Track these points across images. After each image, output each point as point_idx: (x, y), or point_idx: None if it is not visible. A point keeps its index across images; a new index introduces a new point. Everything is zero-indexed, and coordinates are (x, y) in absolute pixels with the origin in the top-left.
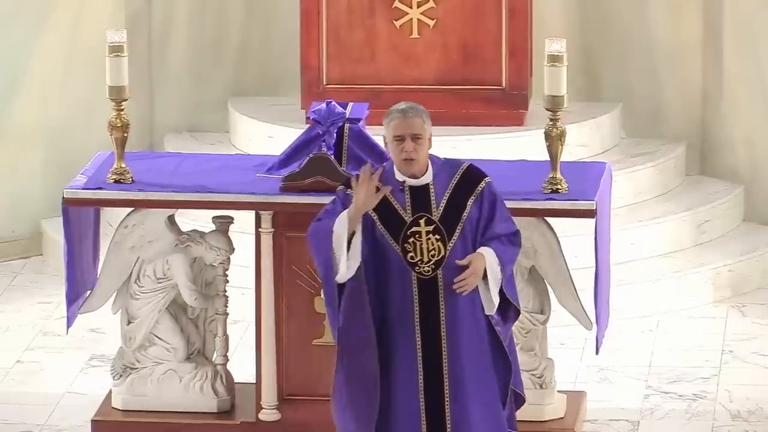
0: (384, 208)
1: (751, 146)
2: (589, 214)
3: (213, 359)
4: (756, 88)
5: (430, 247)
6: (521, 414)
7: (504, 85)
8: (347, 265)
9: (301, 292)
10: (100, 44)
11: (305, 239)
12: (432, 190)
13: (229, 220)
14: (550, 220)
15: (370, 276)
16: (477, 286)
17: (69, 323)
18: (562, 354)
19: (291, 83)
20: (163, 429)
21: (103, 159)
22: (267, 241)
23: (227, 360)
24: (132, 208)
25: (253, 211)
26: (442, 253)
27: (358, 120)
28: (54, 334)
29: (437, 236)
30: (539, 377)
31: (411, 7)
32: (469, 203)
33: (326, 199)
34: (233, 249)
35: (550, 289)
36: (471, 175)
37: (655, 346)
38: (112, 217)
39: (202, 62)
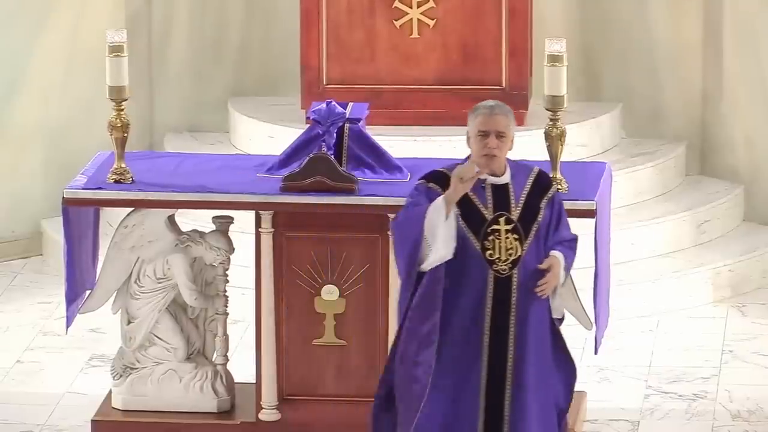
0: (465, 204)
1: (751, 146)
2: (589, 214)
3: (213, 359)
4: (756, 88)
5: (508, 246)
6: None
7: (504, 85)
8: (445, 245)
9: (301, 292)
10: (100, 44)
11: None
12: (511, 190)
13: (229, 220)
14: None
15: (444, 275)
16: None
17: (68, 323)
18: None
19: (291, 83)
20: (163, 429)
21: (103, 159)
22: (267, 241)
23: (227, 360)
24: (132, 208)
25: (253, 211)
26: (519, 252)
27: (358, 120)
28: (54, 334)
29: (515, 236)
30: None
31: (411, 7)
32: (542, 206)
33: (326, 199)
34: (233, 249)
35: None
36: (543, 178)
37: (655, 346)
38: (112, 217)
39: (202, 62)
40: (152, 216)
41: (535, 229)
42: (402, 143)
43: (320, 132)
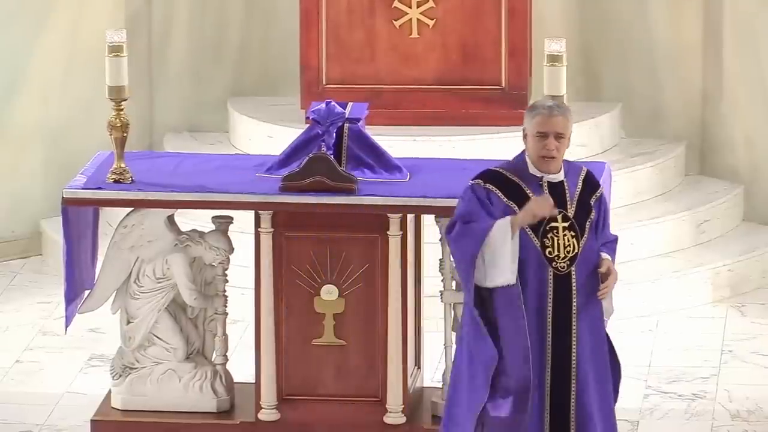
0: (524, 201)
1: (751, 146)
2: None
3: (212, 359)
4: (756, 88)
5: (566, 243)
6: None
7: (503, 84)
8: (511, 269)
9: (300, 291)
10: (100, 44)
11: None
12: (566, 187)
13: (229, 219)
14: None
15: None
16: None
17: (67, 323)
18: None
19: (291, 83)
20: (163, 429)
21: (103, 159)
22: (266, 241)
23: (227, 360)
24: (131, 208)
25: (253, 211)
26: (576, 249)
27: (358, 120)
28: (53, 333)
29: (572, 233)
30: None
31: (410, 7)
32: (593, 204)
33: (326, 199)
34: (233, 249)
35: None
36: (592, 177)
37: (655, 345)
38: (111, 216)
39: (202, 62)
40: (152, 216)
41: (588, 226)
42: (401, 143)
43: (320, 132)
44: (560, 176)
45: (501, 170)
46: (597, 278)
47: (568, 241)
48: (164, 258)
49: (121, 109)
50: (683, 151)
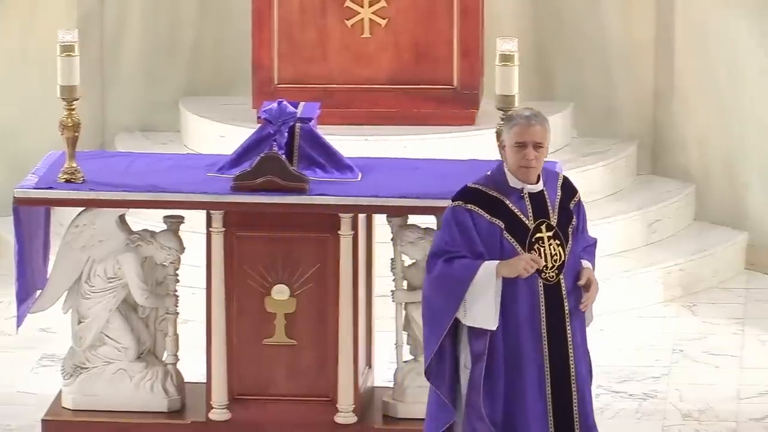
0: (508, 216)
1: (703, 145)
2: None
3: (163, 359)
4: (708, 88)
5: (553, 252)
6: None
7: (455, 84)
8: (494, 314)
9: (251, 291)
10: (52, 44)
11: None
12: (546, 196)
13: (180, 219)
14: None
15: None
16: None
17: (19, 322)
18: None
19: (243, 83)
20: (114, 428)
21: (55, 158)
22: (218, 241)
23: (178, 359)
24: (83, 208)
25: (204, 211)
26: (563, 257)
27: (310, 119)
28: (4, 333)
29: (557, 241)
30: None
31: (362, 7)
32: (572, 209)
33: (277, 199)
34: (184, 248)
35: None
36: (568, 183)
37: (606, 345)
38: (63, 216)
39: (155, 62)
40: (103, 215)
41: (571, 232)
42: (353, 143)
43: (271, 131)
44: (540, 186)
45: (480, 187)
46: (580, 295)
47: (555, 250)
48: (115, 258)
49: (73, 109)
50: (635, 150)
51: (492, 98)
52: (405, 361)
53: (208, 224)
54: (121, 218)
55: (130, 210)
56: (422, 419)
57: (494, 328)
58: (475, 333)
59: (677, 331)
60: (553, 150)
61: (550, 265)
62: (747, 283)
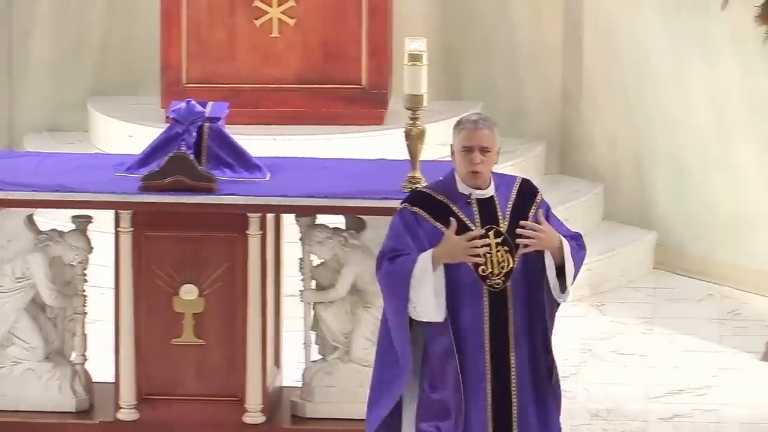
0: (450, 220)
1: (611, 145)
2: None
3: (72, 359)
4: (616, 88)
5: (500, 259)
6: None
7: (364, 84)
8: (436, 306)
9: (160, 291)
10: None
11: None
12: (497, 202)
13: (89, 219)
14: None
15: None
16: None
17: None
18: None
19: (152, 83)
20: (22, 428)
21: None
22: (126, 241)
23: (86, 359)
24: None
25: (113, 211)
26: (511, 264)
27: (218, 119)
28: None
29: (506, 248)
30: None
31: (271, 6)
32: (530, 214)
33: (186, 199)
34: (92, 248)
35: None
36: (527, 187)
37: None
38: None
39: (63, 62)
40: (11, 215)
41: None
42: (262, 142)
43: (180, 131)
44: (489, 191)
45: (428, 190)
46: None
47: (502, 256)
48: (24, 258)
49: None
50: (543, 149)
51: (401, 98)
52: (313, 361)
53: (117, 224)
54: (29, 218)
55: (39, 210)
56: (330, 419)
57: (440, 320)
58: (432, 332)
59: (585, 330)
60: None
61: (496, 272)
62: (655, 282)
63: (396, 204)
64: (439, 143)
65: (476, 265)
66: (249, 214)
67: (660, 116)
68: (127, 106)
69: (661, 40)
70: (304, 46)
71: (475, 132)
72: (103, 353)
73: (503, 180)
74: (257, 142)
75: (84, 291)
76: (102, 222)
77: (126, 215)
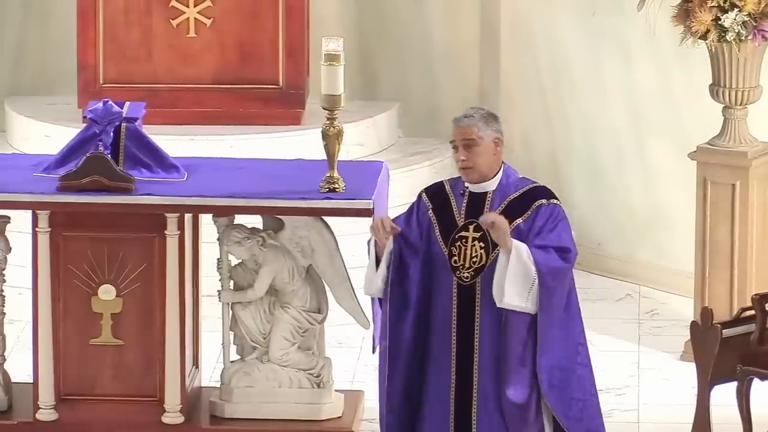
0: (444, 210)
1: (528, 144)
2: (366, 212)
3: None
4: (532, 87)
5: (473, 254)
6: (297, 413)
7: (281, 84)
8: (369, 281)
9: (78, 291)
10: None
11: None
12: (489, 198)
13: (6, 219)
14: (327, 219)
15: (413, 286)
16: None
17: None
18: (339, 353)
19: (68, 83)
20: None
21: None
22: (44, 241)
23: (4, 360)
24: None
25: (30, 211)
26: (484, 261)
27: (135, 119)
28: None
29: (482, 244)
30: (317, 376)
31: (188, 6)
32: (518, 221)
33: (103, 199)
34: (10, 248)
35: (327, 288)
36: (535, 193)
37: None
38: None
39: None
40: None
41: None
42: (179, 142)
43: (97, 131)
44: (487, 187)
45: (444, 181)
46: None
47: (476, 251)
48: None
49: None
50: None
51: (318, 98)
52: (232, 361)
53: (34, 224)
54: None
55: None
56: (249, 419)
57: (374, 296)
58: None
59: None
60: (379, 150)
61: (467, 266)
62: None
63: (313, 204)
64: (355, 143)
65: (450, 256)
66: (167, 214)
67: (576, 116)
68: (43, 106)
69: (577, 40)
70: (221, 46)
71: (456, 127)
72: (22, 353)
73: (518, 181)
74: (174, 142)
75: (2, 291)
76: (20, 222)
77: (44, 215)
